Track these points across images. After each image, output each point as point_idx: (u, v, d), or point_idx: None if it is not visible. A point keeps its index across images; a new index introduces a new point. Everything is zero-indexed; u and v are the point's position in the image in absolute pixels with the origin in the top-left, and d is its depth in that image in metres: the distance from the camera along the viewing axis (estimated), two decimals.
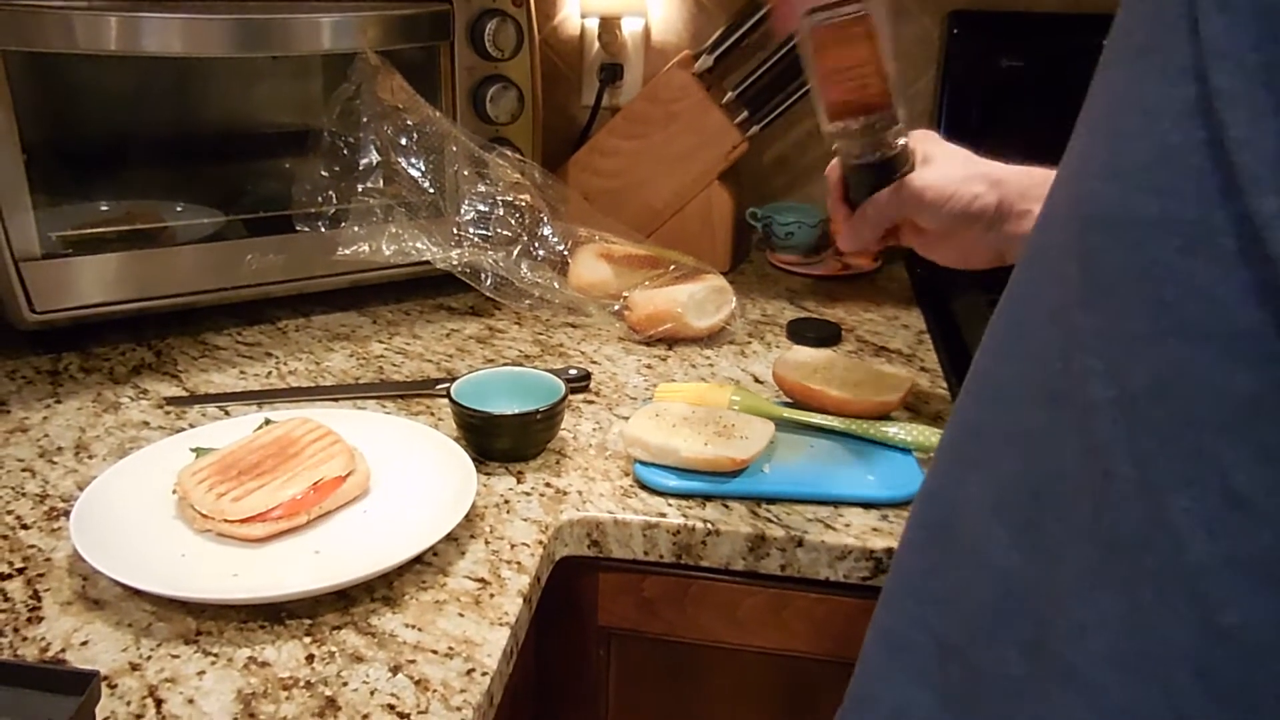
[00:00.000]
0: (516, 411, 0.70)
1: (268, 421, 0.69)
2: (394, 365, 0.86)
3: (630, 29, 1.16)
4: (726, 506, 0.66)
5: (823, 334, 0.94)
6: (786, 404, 0.77)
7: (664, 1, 1.16)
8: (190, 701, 0.48)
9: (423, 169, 0.89)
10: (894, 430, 0.72)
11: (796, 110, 1.07)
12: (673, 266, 0.96)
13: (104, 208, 0.99)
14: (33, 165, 0.80)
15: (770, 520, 0.65)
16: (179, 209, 0.99)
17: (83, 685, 0.40)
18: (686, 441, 0.68)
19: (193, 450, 0.66)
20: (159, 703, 0.48)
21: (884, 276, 1.13)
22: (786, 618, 0.67)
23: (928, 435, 0.72)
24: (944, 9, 1.10)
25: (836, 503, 0.67)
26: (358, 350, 0.89)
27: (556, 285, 0.93)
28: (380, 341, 0.91)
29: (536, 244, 0.93)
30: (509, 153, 0.97)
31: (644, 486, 0.68)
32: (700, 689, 0.71)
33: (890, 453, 0.72)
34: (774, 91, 1.07)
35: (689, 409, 0.72)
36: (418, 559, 0.59)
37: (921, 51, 1.13)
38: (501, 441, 0.71)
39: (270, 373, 0.84)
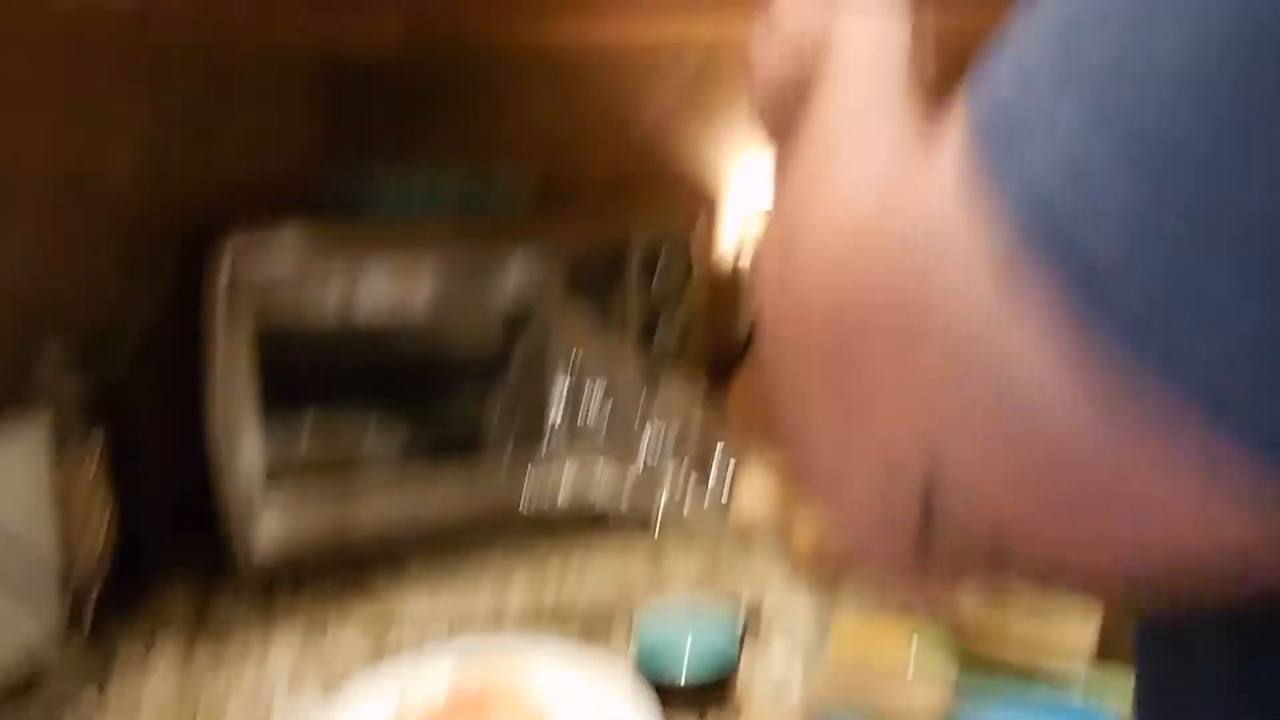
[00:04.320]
0: (695, 684, 0.72)
1: (457, 678, 0.72)
2: (572, 588, 0.90)
3: None
4: None
5: None
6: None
7: None
8: None
9: (602, 405, 0.96)
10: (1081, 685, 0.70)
11: None
12: None
13: (304, 434, 1.10)
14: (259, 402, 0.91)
15: None
16: (371, 435, 1.09)
17: None
18: (868, 691, 0.67)
19: (395, 702, 0.70)
20: None
21: None
22: None
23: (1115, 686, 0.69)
24: None
25: None
26: (537, 573, 0.94)
27: (725, 513, 0.96)
28: (558, 565, 0.96)
29: (707, 472, 0.97)
30: (677, 380, 1.03)
31: None
32: None
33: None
34: None
35: (865, 657, 0.72)
36: None
37: None
38: (681, 697, 0.72)
39: (458, 593, 0.90)
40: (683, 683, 0.72)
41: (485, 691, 0.70)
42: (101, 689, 0.76)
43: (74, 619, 0.79)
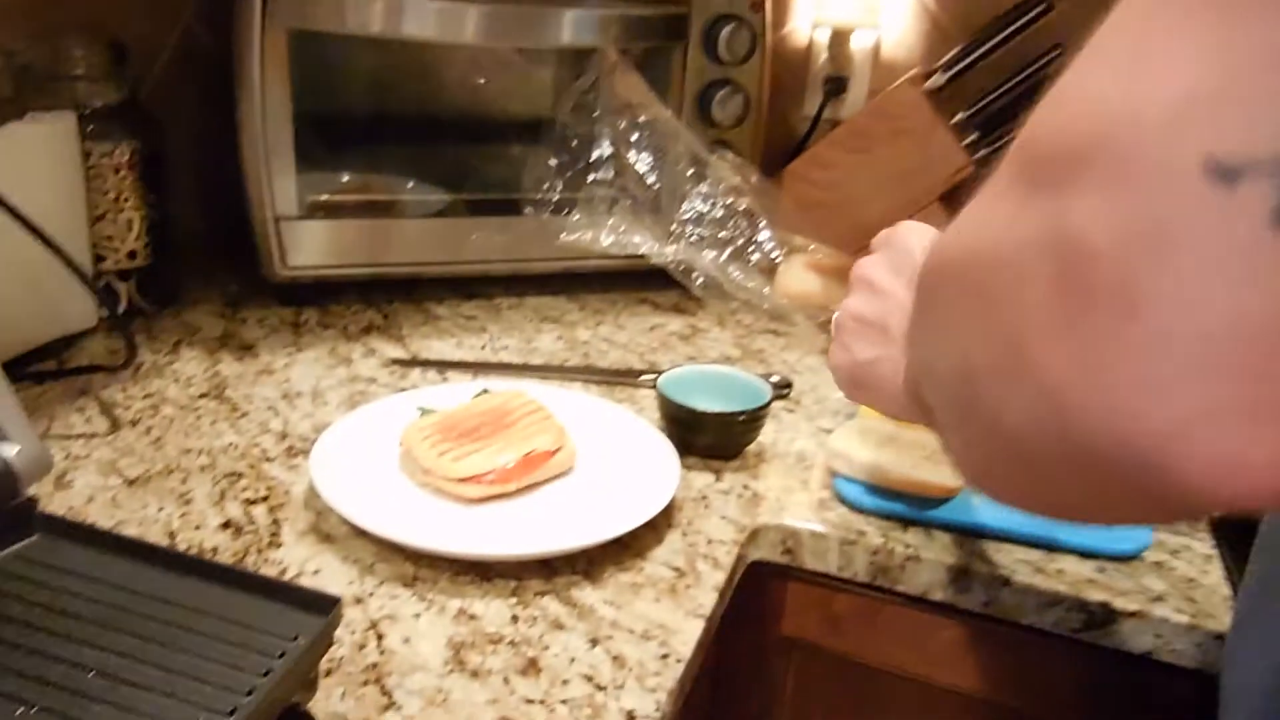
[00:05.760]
0: (723, 410, 0.71)
1: (486, 391, 0.72)
2: (599, 351, 0.89)
3: (860, 43, 1.15)
4: (929, 534, 0.64)
5: None
6: None
7: (899, 16, 1.14)
8: (407, 640, 0.51)
9: (649, 164, 0.91)
10: None
11: None
12: None
13: (345, 178, 1.07)
14: (297, 134, 0.87)
15: (976, 554, 0.62)
16: (410, 185, 1.06)
17: (328, 607, 0.43)
18: (894, 461, 0.66)
19: (418, 409, 0.70)
20: (380, 636, 0.51)
21: None
22: (983, 658, 0.64)
23: None
24: None
25: (1051, 547, 0.63)
26: (565, 334, 0.92)
27: (765, 291, 0.93)
28: (587, 328, 0.94)
29: (750, 248, 0.93)
30: (730, 156, 0.98)
31: (844, 501, 0.67)
32: (880, 716, 0.69)
33: None
34: (1008, 115, 1.03)
35: (895, 429, 0.70)
36: (616, 540, 0.60)
37: None
38: (704, 438, 0.71)
39: (484, 345, 0.88)
40: (703, 442, 0.71)
41: (511, 400, 0.69)
42: (130, 369, 0.77)
43: (107, 305, 0.79)
